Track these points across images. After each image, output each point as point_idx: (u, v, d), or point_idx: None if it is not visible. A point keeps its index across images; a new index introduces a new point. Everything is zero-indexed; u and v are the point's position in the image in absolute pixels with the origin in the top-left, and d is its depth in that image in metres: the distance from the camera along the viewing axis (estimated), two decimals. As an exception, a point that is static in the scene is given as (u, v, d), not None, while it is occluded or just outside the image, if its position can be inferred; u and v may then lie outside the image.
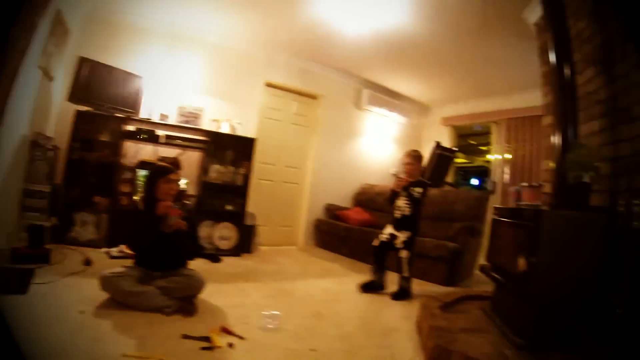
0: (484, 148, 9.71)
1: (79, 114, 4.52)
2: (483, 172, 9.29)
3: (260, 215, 5.71)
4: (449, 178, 7.23)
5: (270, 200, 6.10)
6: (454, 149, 6.93)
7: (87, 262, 3.80)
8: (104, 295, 2.95)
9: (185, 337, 2.49)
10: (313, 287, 3.87)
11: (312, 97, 6.52)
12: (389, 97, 7.26)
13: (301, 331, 2.77)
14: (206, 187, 5.15)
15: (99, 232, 4.64)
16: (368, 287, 3.90)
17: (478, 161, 12.13)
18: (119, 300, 2.89)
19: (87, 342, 2.30)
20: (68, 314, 2.64)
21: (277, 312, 2.90)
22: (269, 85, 6.07)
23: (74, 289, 3.12)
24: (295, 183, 6.41)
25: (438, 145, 6.41)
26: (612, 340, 2.35)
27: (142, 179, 4.72)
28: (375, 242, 3.98)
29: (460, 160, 11.56)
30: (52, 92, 4.46)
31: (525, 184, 4.66)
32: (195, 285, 3.09)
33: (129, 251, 4.10)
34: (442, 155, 6.38)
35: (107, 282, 2.90)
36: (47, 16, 3.55)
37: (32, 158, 4.06)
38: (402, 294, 3.76)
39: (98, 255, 4.19)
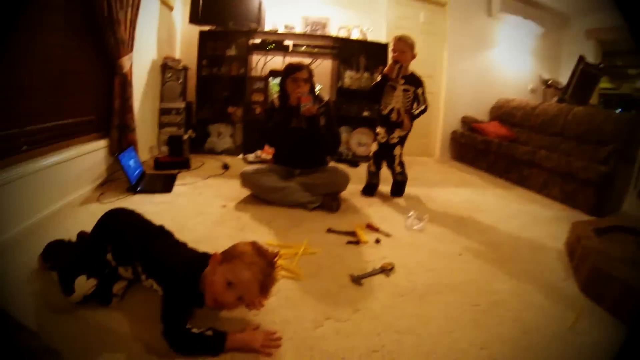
0: (632, 72, 8.37)
1: (203, 33, 4.64)
2: (630, 102, 7.96)
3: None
4: (593, 101, 6.38)
5: None
6: (600, 65, 6.03)
7: (225, 167, 3.91)
8: (244, 193, 2.97)
9: (330, 231, 2.42)
10: (453, 195, 3.61)
11: (439, 4, 5.90)
12: (523, 3, 6.40)
13: (447, 235, 2.57)
14: (341, 93, 4.98)
15: (234, 141, 4.78)
16: (367, 191, 3.42)
17: (625, 88, 10.62)
18: (260, 196, 2.89)
19: (229, 231, 2.33)
20: (210, 209, 2.70)
21: (423, 214, 2.72)
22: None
23: (214, 188, 3.20)
24: (430, 92, 5.95)
25: (582, 60, 5.62)
26: None
27: (273, 87, 4.72)
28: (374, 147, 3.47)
29: (604, 85, 10.17)
30: (173, 19, 4.73)
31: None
32: (340, 181, 2.98)
33: (265, 156, 4.23)
34: (585, 72, 5.61)
35: (248, 179, 2.89)
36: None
37: (165, 79, 4.33)
38: (401, 188, 3.47)
39: (235, 161, 4.29)
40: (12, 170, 2.06)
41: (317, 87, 4.52)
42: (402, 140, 3.36)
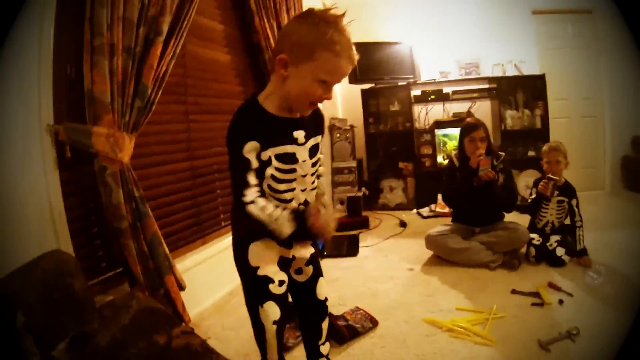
0: None
1: (364, 92, 5.05)
2: None
3: (560, 157, 5.29)
4: None
5: (569, 139, 5.35)
6: None
7: (403, 224, 4.20)
8: (426, 254, 3.24)
9: (514, 292, 2.56)
10: (632, 241, 3.36)
11: (586, 12, 5.49)
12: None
13: (631, 290, 2.49)
14: (505, 135, 5.01)
15: (406, 196, 5.05)
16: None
17: None
18: (444, 257, 3.13)
19: (420, 297, 2.57)
20: (398, 273, 3.00)
21: (602, 267, 2.72)
22: (536, 12, 5.42)
23: (397, 249, 3.49)
24: (594, 116, 5.61)
25: None
26: None
27: (441, 138, 4.98)
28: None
29: None
30: None
31: None
32: (519, 238, 3.05)
33: (439, 210, 4.44)
34: None
35: (433, 241, 3.17)
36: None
37: (334, 140, 4.75)
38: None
39: (410, 216, 4.55)
40: (215, 245, 2.61)
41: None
42: (562, 242, 3.00)
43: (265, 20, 3.24)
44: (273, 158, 1.31)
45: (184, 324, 1.46)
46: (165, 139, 2.43)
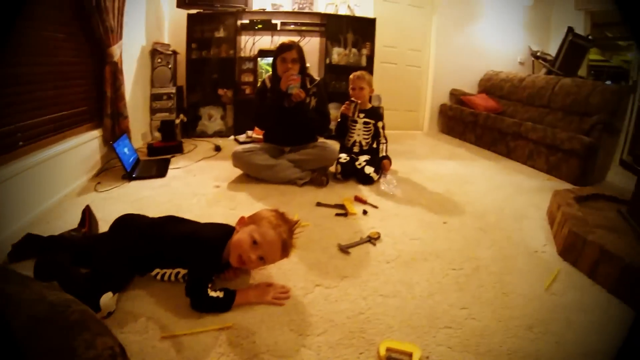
0: (622, 43, 8.28)
1: (191, 16, 4.66)
2: (619, 75, 7.96)
3: (385, 99, 5.45)
4: (583, 73, 6.38)
5: (394, 84, 5.82)
6: (589, 37, 6.05)
7: (217, 149, 3.98)
8: (236, 173, 3.07)
9: (319, 204, 2.51)
10: (441, 168, 3.73)
11: None
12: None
13: (433, 206, 2.67)
14: (330, 69, 5.04)
15: (225, 123, 4.83)
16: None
17: (615, 60, 10.46)
18: (252, 174, 2.98)
19: (224, 210, 2.42)
20: (205, 190, 2.79)
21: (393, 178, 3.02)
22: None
23: (207, 170, 3.28)
24: (418, 66, 6.02)
25: (570, 31, 5.67)
26: None
27: (263, 66, 4.78)
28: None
29: (594, 57, 10.02)
30: (160, 3, 4.75)
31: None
32: (328, 156, 3.04)
33: (256, 136, 4.26)
34: (574, 43, 5.63)
35: (239, 158, 2.97)
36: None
37: (154, 65, 4.34)
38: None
39: (226, 142, 4.36)
40: (10, 167, 2.08)
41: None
42: (370, 162, 3.17)
43: None
44: None
45: None
46: None
